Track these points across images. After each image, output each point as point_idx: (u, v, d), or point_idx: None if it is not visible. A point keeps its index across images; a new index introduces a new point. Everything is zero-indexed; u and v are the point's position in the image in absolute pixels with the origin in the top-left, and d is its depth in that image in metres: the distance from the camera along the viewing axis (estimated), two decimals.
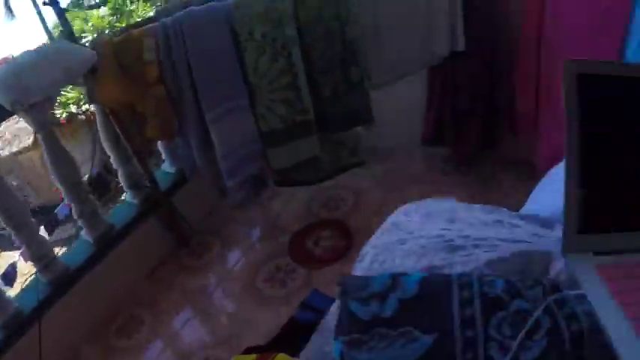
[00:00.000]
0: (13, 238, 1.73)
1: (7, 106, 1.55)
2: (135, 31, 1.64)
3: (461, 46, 1.70)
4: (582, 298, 0.54)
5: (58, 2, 2.01)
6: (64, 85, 1.90)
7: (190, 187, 2.22)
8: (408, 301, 0.54)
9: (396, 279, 0.56)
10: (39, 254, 1.76)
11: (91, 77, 1.66)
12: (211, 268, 2.13)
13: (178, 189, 2.22)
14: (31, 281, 1.85)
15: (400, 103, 2.07)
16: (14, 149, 8.90)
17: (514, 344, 0.49)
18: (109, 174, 6.31)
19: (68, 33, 2.07)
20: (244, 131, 1.72)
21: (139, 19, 8.50)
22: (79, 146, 6.96)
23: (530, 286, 0.55)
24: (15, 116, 1.86)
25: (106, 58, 1.61)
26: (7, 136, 12.10)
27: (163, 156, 2.29)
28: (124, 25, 8.30)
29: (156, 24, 1.64)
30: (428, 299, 0.54)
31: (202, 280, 2.08)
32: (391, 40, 1.66)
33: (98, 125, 1.94)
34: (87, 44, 1.84)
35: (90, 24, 8.61)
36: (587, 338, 0.50)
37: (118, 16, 8.57)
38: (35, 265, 1.79)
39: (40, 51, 1.72)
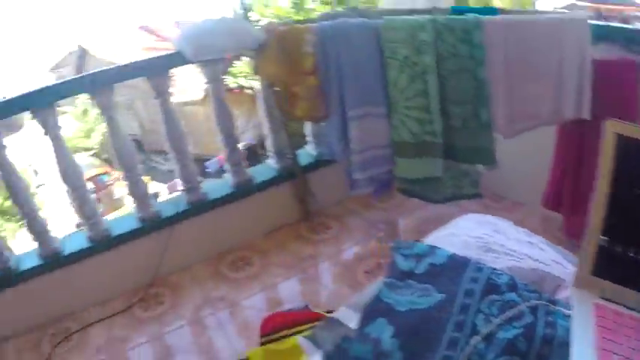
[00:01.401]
0: (174, 166, 2.21)
1: (188, 57, 1.97)
2: (300, 26, 1.98)
3: (585, 113, 1.66)
4: (568, 317, 0.66)
5: None
6: (234, 52, 2.31)
7: (327, 173, 2.47)
8: (435, 267, 0.75)
9: (432, 249, 0.77)
10: (187, 179, 2.22)
11: (258, 53, 2.03)
12: (323, 246, 2.36)
13: (315, 170, 2.49)
14: (176, 196, 2.30)
15: (530, 155, 2.08)
16: (183, 100, 10.33)
17: (496, 321, 0.66)
18: (260, 149, 6.92)
19: (245, 12, 2.50)
20: (378, 135, 1.91)
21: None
22: (241, 116, 7.84)
23: (529, 290, 0.71)
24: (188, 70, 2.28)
25: (272, 41, 1.97)
26: (180, 86, 13.94)
27: (308, 138, 2.58)
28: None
29: (317, 24, 1.93)
30: (448, 270, 0.74)
31: (312, 251, 2.33)
32: (520, 88, 1.70)
33: (258, 95, 2.34)
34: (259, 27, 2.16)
35: (269, 11, 9.63)
36: (556, 346, 0.64)
37: (297, 10, 9.36)
38: (183, 185, 2.25)
39: (221, 21, 2.16)
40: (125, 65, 2.10)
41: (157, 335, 1.94)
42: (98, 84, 1.96)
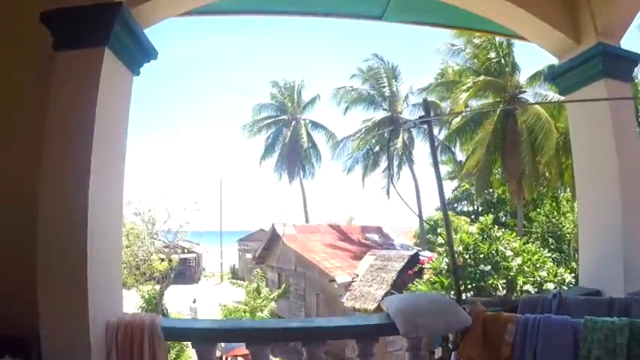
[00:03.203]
0: None
1: (401, 331, 2.28)
2: (504, 315, 2.25)
3: None
4: None
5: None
6: (442, 333, 2.49)
7: None
8: None
9: None
10: None
11: (462, 334, 2.32)
12: None
13: None
14: None
15: None
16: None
17: None
18: None
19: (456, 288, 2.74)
20: None
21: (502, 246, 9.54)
22: None
23: None
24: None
25: (477, 324, 2.26)
26: (357, 293, 14.81)
27: None
28: (485, 247, 9.49)
29: (520, 316, 2.20)
30: None
31: None
32: None
33: None
34: (465, 307, 2.44)
35: (457, 234, 10.27)
36: None
37: (485, 237, 9.82)
38: None
39: (434, 302, 2.49)
40: (338, 326, 2.55)
41: None
42: (311, 338, 2.38)
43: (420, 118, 2.44)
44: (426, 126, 2.48)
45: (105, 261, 2.31)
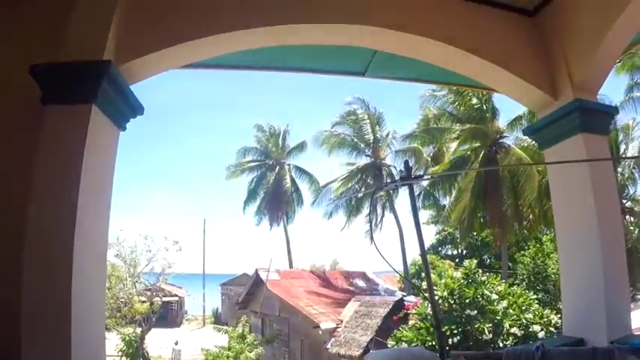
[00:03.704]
0: None
1: None
2: None
3: None
4: None
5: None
6: None
7: None
8: None
9: None
10: None
11: None
12: None
13: None
14: None
15: None
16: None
17: None
18: None
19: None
20: None
21: (487, 290, 9.54)
22: None
23: None
24: None
25: None
26: (342, 339, 14.42)
27: None
28: (470, 292, 9.47)
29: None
30: None
31: None
32: None
33: None
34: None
35: (442, 279, 10.21)
36: None
37: (469, 281, 9.78)
38: None
39: (417, 356, 2.49)
40: None
41: None
42: None
43: (401, 180, 2.48)
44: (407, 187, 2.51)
45: (89, 320, 2.25)
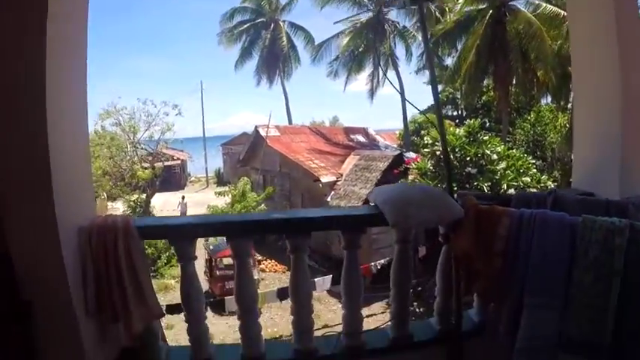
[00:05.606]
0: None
1: (390, 221, 2.09)
2: (499, 208, 2.11)
3: None
4: None
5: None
6: (432, 225, 2.38)
7: (485, 344, 2.32)
8: None
9: None
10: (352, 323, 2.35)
11: (454, 226, 2.18)
12: None
13: (474, 337, 2.42)
14: (333, 336, 2.30)
15: None
16: None
17: None
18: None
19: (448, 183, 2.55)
20: (548, 327, 1.94)
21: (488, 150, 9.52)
22: None
23: None
24: None
25: (469, 217, 2.11)
26: (342, 192, 14.95)
27: (475, 303, 2.59)
28: (471, 150, 9.47)
29: (515, 210, 2.07)
30: None
31: None
32: None
33: (440, 257, 2.44)
34: (457, 199, 2.30)
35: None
36: None
37: (472, 139, 9.73)
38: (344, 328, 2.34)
39: (426, 192, 2.33)
40: (324, 217, 2.35)
41: None
42: (295, 229, 2.20)
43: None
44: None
45: (70, 157, 1.95)
